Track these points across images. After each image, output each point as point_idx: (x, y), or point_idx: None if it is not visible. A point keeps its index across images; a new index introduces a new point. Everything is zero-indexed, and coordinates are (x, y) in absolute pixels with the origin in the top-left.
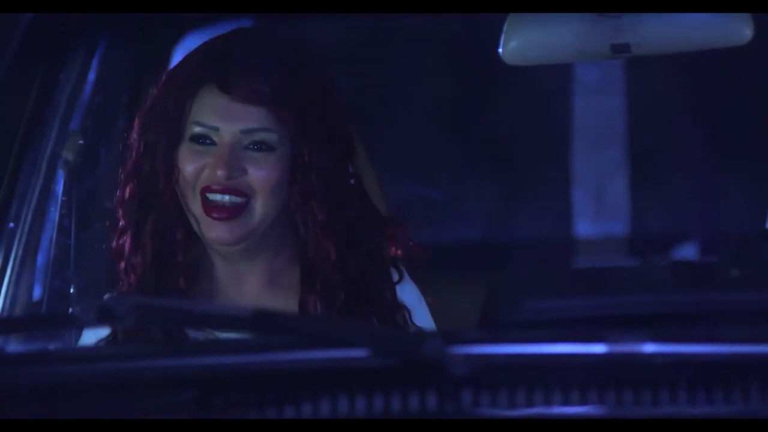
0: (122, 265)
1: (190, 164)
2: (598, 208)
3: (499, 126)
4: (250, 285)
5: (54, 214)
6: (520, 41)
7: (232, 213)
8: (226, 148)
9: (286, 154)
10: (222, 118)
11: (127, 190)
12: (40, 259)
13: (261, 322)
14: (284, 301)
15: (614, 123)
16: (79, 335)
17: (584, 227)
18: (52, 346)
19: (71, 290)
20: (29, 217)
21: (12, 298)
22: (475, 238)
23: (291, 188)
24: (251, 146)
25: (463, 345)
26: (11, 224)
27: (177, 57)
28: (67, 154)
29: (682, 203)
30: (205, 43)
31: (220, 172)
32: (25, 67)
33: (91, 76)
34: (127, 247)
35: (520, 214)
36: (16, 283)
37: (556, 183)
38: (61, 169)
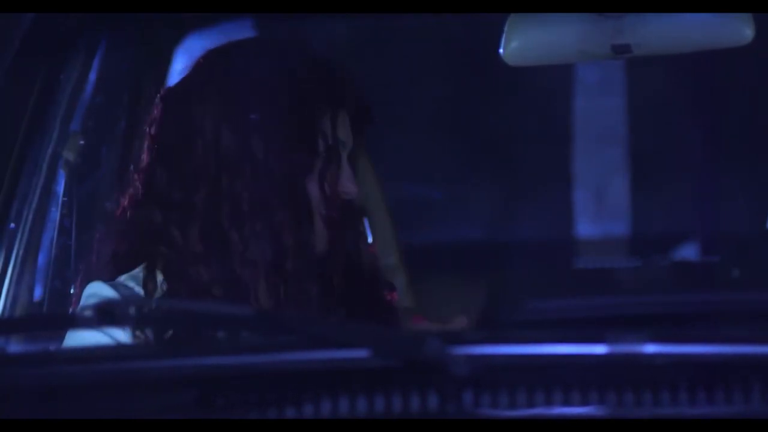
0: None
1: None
2: (599, 209)
3: (500, 126)
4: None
5: (55, 214)
6: (521, 42)
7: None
8: (348, 164)
9: None
10: (347, 135)
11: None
12: (41, 259)
13: (262, 322)
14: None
15: (615, 123)
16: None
17: (585, 227)
18: (52, 346)
19: (72, 290)
20: (30, 217)
21: (13, 299)
22: (475, 238)
23: None
24: None
25: (463, 345)
26: (12, 224)
27: (178, 57)
28: (68, 155)
29: (682, 203)
30: (308, 65)
31: (352, 188)
32: (25, 67)
33: (92, 76)
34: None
35: (520, 214)
36: (17, 283)
37: (556, 183)
38: (62, 169)
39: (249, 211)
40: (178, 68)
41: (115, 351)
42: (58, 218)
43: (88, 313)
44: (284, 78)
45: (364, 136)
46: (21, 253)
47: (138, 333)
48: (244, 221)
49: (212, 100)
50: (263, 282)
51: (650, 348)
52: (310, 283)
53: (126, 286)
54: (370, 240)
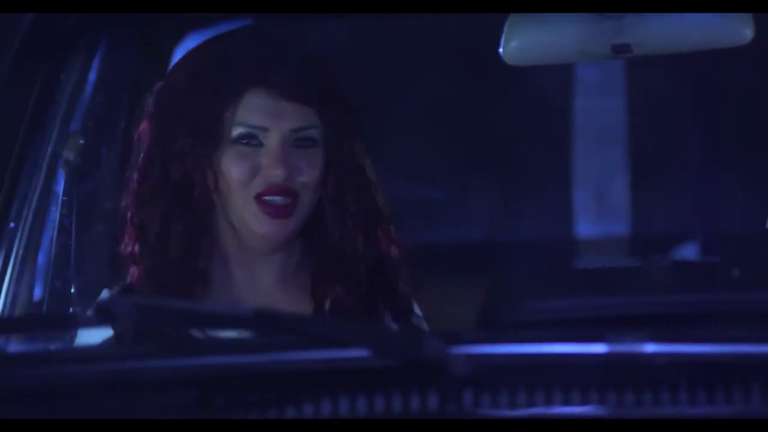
0: (134, 269)
1: (237, 167)
2: (599, 208)
3: (500, 126)
4: (264, 285)
5: (55, 214)
6: (521, 41)
7: (286, 211)
8: (278, 147)
9: (324, 149)
10: (271, 119)
11: (148, 197)
12: (41, 258)
13: (262, 321)
14: (296, 300)
15: (615, 123)
16: (77, 336)
17: (585, 227)
18: (52, 346)
19: (72, 290)
20: (30, 217)
21: (12, 298)
22: (475, 238)
23: (326, 182)
24: (298, 143)
25: (463, 345)
26: (12, 224)
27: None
28: (68, 154)
29: (682, 203)
30: (223, 47)
31: (279, 172)
32: (25, 67)
33: (92, 76)
34: (142, 251)
35: (520, 214)
36: (16, 282)
37: (556, 183)
38: (61, 169)
39: (154, 200)
40: None
41: (115, 351)
42: (57, 218)
43: (88, 312)
44: (190, 65)
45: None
46: (21, 252)
47: (137, 332)
48: (149, 211)
49: (158, 98)
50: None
51: (650, 348)
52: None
53: None
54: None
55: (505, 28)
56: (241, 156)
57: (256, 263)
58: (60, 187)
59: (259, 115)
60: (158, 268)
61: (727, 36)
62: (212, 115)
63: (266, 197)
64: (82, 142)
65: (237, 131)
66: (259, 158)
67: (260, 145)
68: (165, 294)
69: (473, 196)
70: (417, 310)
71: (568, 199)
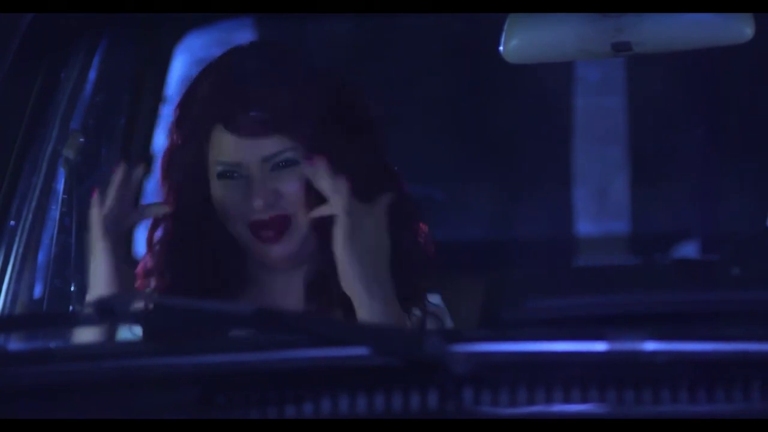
0: (156, 283)
1: (226, 199)
2: (600, 207)
3: (501, 125)
4: (296, 294)
5: (55, 212)
6: (521, 40)
7: (279, 233)
8: (254, 179)
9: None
10: (241, 154)
11: (162, 227)
12: (41, 257)
13: (262, 320)
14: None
15: (615, 122)
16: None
17: (586, 226)
18: (52, 345)
19: (72, 289)
20: (30, 215)
21: (13, 297)
22: (476, 236)
23: (308, 197)
24: (279, 165)
25: (464, 343)
26: (12, 222)
27: (178, 56)
28: (68, 153)
29: (683, 202)
30: (206, 79)
31: (256, 203)
32: (26, 65)
33: (92, 74)
34: (165, 280)
35: (521, 212)
36: (16, 281)
37: (557, 182)
38: (61, 167)
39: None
40: (178, 66)
41: (116, 348)
42: (57, 216)
43: (88, 310)
44: (182, 99)
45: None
46: (21, 251)
47: (138, 330)
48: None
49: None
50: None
51: (650, 346)
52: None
53: None
54: None
55: (506, 27)
56: (228, 189)
57: (280, 275)
58: (60, 185)
59: (230, 152)
60: (178, 284)
61: (727, 34)
62: (196, 154)
63: (257, 225)
64: (82, 140)
65: (217, 169)
66: (243, 189)
67: (241, 177)
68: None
69: (474, 195)
70: (440, 302)
71: (568, 197)
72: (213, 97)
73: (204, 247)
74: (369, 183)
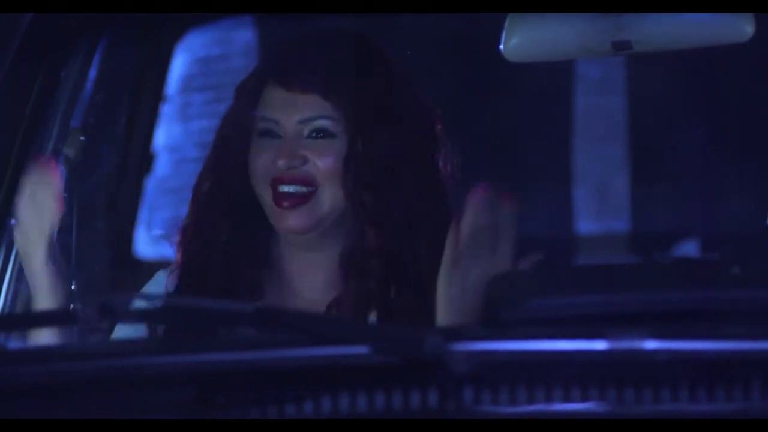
0: (189, 257)
1: (258, 158)
2: (600, 206)
3: (500, 123)
4: (322, 275)
5: None
6: (522, 38)
7: (300, 201)
8: (286, 138)
9: (347, 141)
10: (281, 111)
11: (205, 185)
12: None
13: (262, 318)
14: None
15: (615, 121)
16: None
17: (586, 224)
18: (53, 344)
19: (72, 287)
20: None
21: (13, 295)
22: None
23: (345, 176)
24: (312, 135)
25: (464, 342)
26: (13, 221)
27: (178, 54)
28: (69, 151)
29: (683, 201)
30: (250, 41)
31: (281, 162)
32: (26, 65)
33: (93, 73)
34: (197, 237)
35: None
36: (17, 280)
37: (557, 181)
38: (62, 165)
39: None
40: (179, 65)
41: (116, 348)
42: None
43: (89, 309)
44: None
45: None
46: None
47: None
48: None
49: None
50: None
51: (651, 345)
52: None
53: None
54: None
55: (506, 25)
56: (262, 148)
57: (310, 254)
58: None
59: (273, 107)
60: (210, 255)
61: (728, 33)
62: (244, 110)
63: (279, 186)
64: (82, 138)
65: (260, 125)
66: (274, 150)
67: (278, 137)
68: (217, 281)
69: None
70: None
71: (568, 196)
72: (271, 53)
73: (238, 210)
74: (387, 177)
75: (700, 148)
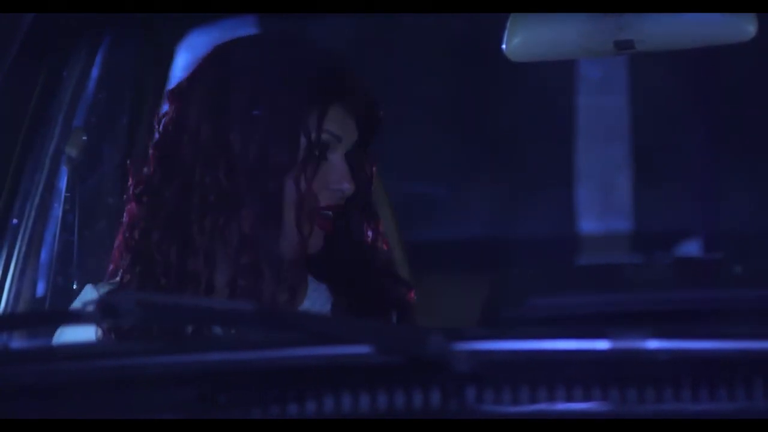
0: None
1: (308, 178)
2: (603, 206)
3: (503, 123)
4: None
5: (57, 210)
6: (524, 38)
7: (332, 224)
8: (343, 160)
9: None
10: (343, 130)
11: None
12: (44, 255)
13: (263, 318)
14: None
15: (618, 120)
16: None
17: (588, 224)
18: (54, 343)
19: (74, 287)
20: (33, 213)
21: (15, 294)
22: (478, 234)
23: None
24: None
25: (466, 342)
26: (15, 220)
27: (180, 54)
28: (71, 151)
29: (686, 200)
30: (302, 59)
31: (347, 186)
32: (29, 63)
33: (95, 72)
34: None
35: (523, 211)
36: (19, 279)
37: (559, 180)
38: (64, 165)
39: (214, 204)
40: (180, 64)
41: (116, 347)
42: (60, 214)
43: (89, 309)
44: (269, 72)
45: (372, 134)
46: (23, 249)
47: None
48: (207, 213)
49: (203, 95)
50: (218, 275)
51: (653, 344)
52: (268, 279)
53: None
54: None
55: (508, 25)
56: (312, 167)
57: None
58: (63, 183)
59: (335, 126)
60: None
61: (730, 32)
62: (295, 129)
63: (324, 211)
64: (85, 138)
65: (317, 139)
66: (324, 170)
67: (324, 159)
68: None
69: (476, 193)
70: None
71: (570, 196)
72: (329, 76)
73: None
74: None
75: (702, 147)
